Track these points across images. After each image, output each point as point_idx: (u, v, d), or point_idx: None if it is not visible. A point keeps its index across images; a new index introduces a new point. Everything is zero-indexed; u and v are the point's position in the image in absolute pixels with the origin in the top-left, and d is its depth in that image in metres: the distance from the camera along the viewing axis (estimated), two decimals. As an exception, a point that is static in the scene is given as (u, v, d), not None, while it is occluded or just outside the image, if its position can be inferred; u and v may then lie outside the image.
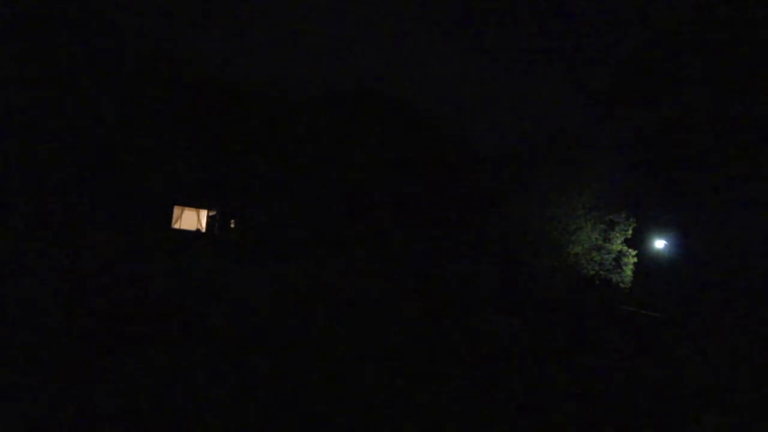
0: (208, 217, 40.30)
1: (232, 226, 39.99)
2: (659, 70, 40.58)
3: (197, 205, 39.90)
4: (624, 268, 34.53)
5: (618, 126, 39.67)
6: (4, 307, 16.66)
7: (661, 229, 37.78)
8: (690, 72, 39.52)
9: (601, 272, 34.70)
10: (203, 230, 39.80)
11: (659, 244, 37.35)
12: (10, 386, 11.26)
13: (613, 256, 34.67)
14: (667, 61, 40.43)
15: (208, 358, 15.06)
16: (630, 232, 34.97)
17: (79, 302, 18.70)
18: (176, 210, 39.41)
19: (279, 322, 20.62)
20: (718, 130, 38.74)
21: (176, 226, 39.18)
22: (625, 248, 34.65)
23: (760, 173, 37.52)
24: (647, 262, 36.35)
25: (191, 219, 40.01)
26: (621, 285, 34.73)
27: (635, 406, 16.69)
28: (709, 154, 38.86)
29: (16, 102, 32.41)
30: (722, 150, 38.47)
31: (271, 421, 11.64)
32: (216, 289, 24.22)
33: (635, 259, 34.56)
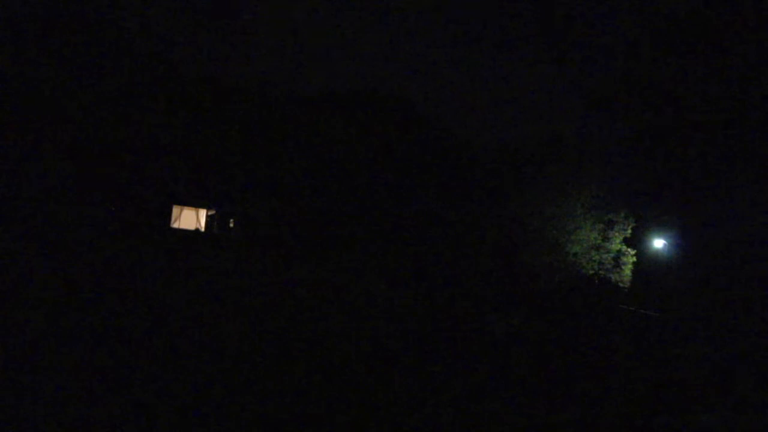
0: (207, 216, 40.22)
1: (231, 225, 39.93)
2: (659, 70, 40.57)
3: (196, 205, 39.81)
4: (623, 267, 34.53)
5: (617, 126, 39.67)
6: (2, 304, 16.63)
7: (660, 228, 37.74)
8: (690, 72, 39.52)
9: (600, 272, 34.69)
10: (202, 230, 39.73)
11: (658, 243, 37.31)
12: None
13: (612, 255, 34.65)
14: (667, 61, 40.42)
15: (207, 356, 15.05)
16: (629, 231, 34.98)
17: (78, 301, 18.67)
18: (175, 209, 39.29)
19: (279, 321, 20.61)
20: (718, 130, 38.73)
21: (175, 225, 39.08)
22: (624, 248, 34.64)
23: (759, 173, 37.52)
24: (646, 262, 36.33)
25: (190, 218, 39.91)
26: (620, 284, 34.72)
27: (634, 405, 16.68)
28: (709, 154, 38.85)
29: (16, 101, 32.37)
30: (722, 150, 38.46)
31: (270, 419, 11.62)
32: (215, 287, 24.20)
33: (634, 259, 34.55)
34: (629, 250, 34.57)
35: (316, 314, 22.77)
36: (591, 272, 34.76)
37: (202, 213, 40.27)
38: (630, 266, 34.55)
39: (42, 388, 11.30)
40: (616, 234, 34.71)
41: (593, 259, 34.63)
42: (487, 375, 17.91)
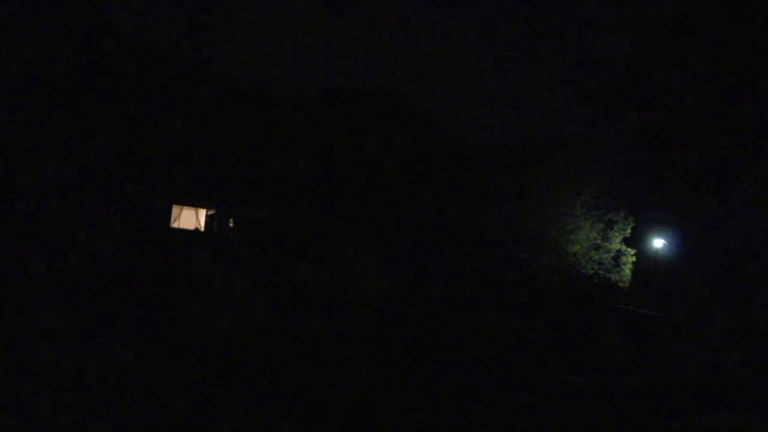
0: (207, 216, 40.22)
1: (231, 225, 39.91)
2: (659, 70, 40.53)
3: (196, 205, 39.82)
4: (623, 267, 34.54)
5: (617, 125, 39.63)
6: (2, 306, 16.62)
7: (660, 228, 37.74)
8: (689, 71, 39.48)
9: (600, 271, 34.68)
10: (202, 229, 39.73)
11: (658, 243, 37.33)
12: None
13: (612, 255, 34.66)
14: (667, 60, 40.38)
15: (207, 356, 15.04)
16: (629, 231, 34.99)
17: (78, 300, 18.66)
18: (175, 209, 39.31)
19: (279, 321, 20.61)
20: (718, 130, 38.72)
21: (175, 225, 39.10)
22: (623, 247, 34.66)
23: (759, 173, 37.51)
24: (646, 262, 36.33)
25: (190, 218, 39.93)
26: (620, 284, 34.72)
27: (635, 405, 16.66)
28: (709, 154, 38.84)
29: (17, 102, 32.34)
30: (721, 150, 38.45)
31: (270, 418, 11.60)
32: (215, 287, 24.18)
33: (634, 258, 34.58)
34: (629, 249, 34.58)
35: (316, 314, 22.77)
36: (591, 272, 34.76)
37: (202, 213, 40.28)
38: (629, 266, 34.57)
39: (41, 388, 11.27)
40: (616, 234, 34.72)
41: (593, 258, 34.64)
42: (487, 375, 17.90)
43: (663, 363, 23.40)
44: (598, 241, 34.77)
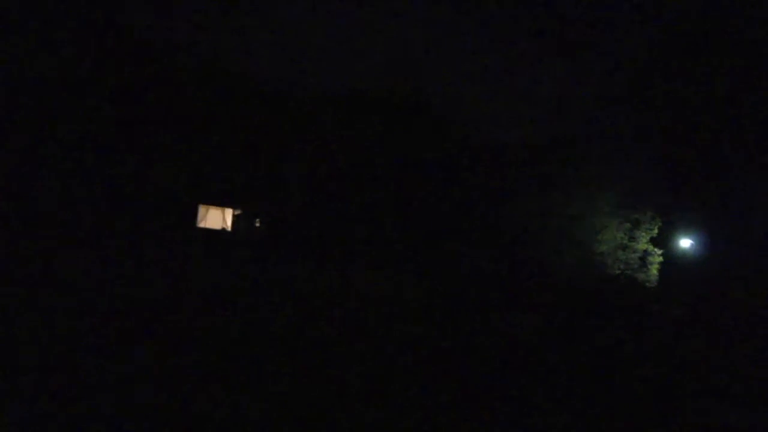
0: (234, 215, 40.60)
1: (258, 225, 40.23)
2: (685, 68, 39.98)
3: (222, 204, 40.23)
4: (649, 267, 34.33)
5: (644, 124, 39.16)
6: (21, 307, 16.91)
7: (687, 228, 37.34)
8: (715, 69, 38.89)
9: (626, 271, 34.46)
10: (228, 229, 40.15)
11: (685, 243, 36.98)
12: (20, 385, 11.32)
13: (639, 255, 34.43)
14: (692, 57, 39.80)
15: (234, 358, 15.27)
16: (655, 231, 34.71)
17: (103, 302, 19.01)
18: (201, 209, 39.74)
19: (303, 322, 20.81)
20: (746, 129, 38.10)
21: (201, 225, 39.55)
22: (650, 247, 34.43)
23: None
24: (673, 262, 35.97)
25: (216, 218, 40.37)
26: (647, 284, 34.46)
27: (656, 408, 16.53)
28: (736, 153, 38.24)
29: (43, 101, 32.77)
30: (749, 149, 37.84)
31: (283, 420, 11.72)
32: (241, 288, 24.45)
33: (661, 258, 34.33)
34: (656, 249, 34.36)
35: (339, 315, 22.94)
36: (617, 272, 34.55)
37: (228, 212, 40.68)
38: (656, 266, 34.34)
39: (46, 390, 11.37)
40: (643, 234, 34.49)
41: (619, 258, 34.44)
42: (504, 375, 17.90)
43: (684, 365, 23.14)
44: (625, 242, 34.55)
